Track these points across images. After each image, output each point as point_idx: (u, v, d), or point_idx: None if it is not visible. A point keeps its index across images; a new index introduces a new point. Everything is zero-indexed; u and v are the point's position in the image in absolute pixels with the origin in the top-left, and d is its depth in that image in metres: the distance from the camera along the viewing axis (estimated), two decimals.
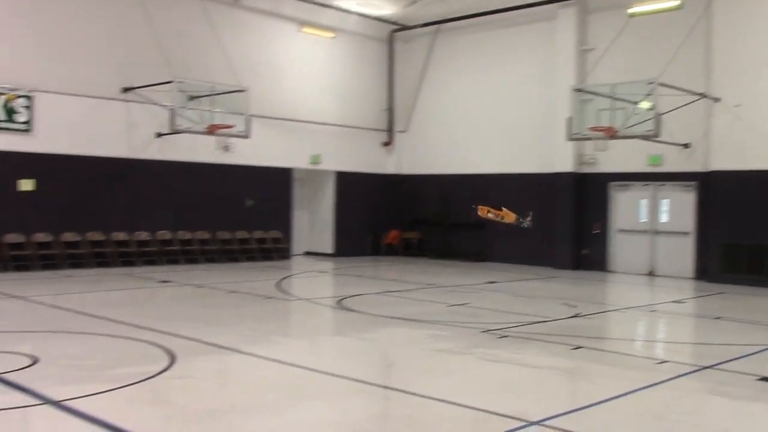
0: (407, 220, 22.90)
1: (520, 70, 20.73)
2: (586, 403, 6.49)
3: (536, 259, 19.78)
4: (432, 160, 22.55)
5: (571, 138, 16.65)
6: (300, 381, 7.21)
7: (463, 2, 20.53)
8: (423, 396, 6.53)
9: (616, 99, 15.85)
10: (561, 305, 12.55)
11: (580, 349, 8.79)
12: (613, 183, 18.90)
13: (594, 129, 15.91)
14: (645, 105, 15.26)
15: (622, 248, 18.82)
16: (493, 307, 12.37)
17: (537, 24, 20.28)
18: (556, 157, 19.45)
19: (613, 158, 18.19)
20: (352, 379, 7.17)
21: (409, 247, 22.71)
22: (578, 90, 16.62)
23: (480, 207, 14.83)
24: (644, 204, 18.47)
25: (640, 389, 6.93)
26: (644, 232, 18.43)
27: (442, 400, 6.37)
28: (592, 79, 18.32)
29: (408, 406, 6.42)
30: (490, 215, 14.66)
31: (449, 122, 22.28)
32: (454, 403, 6.28)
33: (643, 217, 18.47)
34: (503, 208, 15.17)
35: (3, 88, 15.68)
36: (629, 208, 18.71)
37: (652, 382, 7.19)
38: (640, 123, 15.29)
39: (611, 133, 15.66)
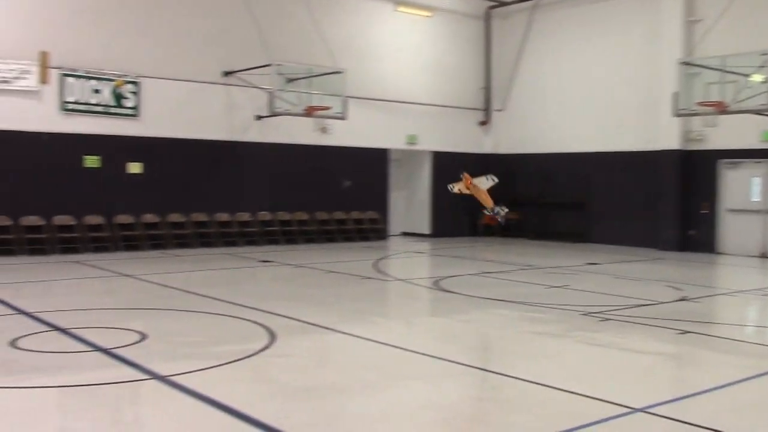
0: (505, 200, 22.53)
1: (621, 44, 20.00)
2: (693, 391, 6.24)
3: (640, 240, 19.16)
4: (530, 138, 22.12)
5: (678, 114, 16.02)
6: (397, 361, 7.23)
7: None
8: (521, 379, 6.43)
9: (727, 72, 15.12)
10: (666, 288, 12.11)
11: (687, 334, 8.45)
12: (722, 160, 18.05)
13: (702, 104, 15.28)
14: (758, 78, 14.50)
15: (731, 229, 17.99)
16: (594, 289, 12.05)
17: None
18: (661, 134, 18.73)
19: (723, 134, 17.38)
20: (450, 361, 7.13)
21: (507, 227, 22.39)
22: (685, 63, 15.96)
23: (465, 175, 13.77)
24: (757, 182, 17.57)
25: (752, 377, 6.62)
26: (756, 212, 17.54)
27: (541, 384, 6.25)
28: (700, 52, 17.49)
29: (506, 389, 6.34)
30: (474, 182, 13.81)
31: (548, 100, 21.77)
32: (554, 388, 6.16)
33: (756, 196, 17.58)
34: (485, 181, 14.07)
35: (112, 74, 16.37)
36: (740, 187, 17.84)
37: (765, 371, 6.85)
38: (753, 97, 14.57)
39: (721, 108, 14.99)
